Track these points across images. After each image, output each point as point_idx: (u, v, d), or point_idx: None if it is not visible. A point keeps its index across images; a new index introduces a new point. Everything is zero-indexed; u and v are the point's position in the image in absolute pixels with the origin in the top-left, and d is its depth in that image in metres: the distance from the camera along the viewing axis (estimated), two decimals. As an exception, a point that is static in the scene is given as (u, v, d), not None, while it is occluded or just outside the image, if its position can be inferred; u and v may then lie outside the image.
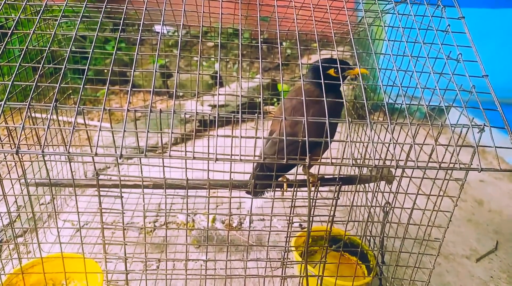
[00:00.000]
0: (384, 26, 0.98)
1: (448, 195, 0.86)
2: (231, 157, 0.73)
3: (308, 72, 1.16)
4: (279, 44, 0.86)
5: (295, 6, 1.01)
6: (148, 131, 0.67)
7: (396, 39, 0.98)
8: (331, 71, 1.11)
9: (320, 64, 1.04)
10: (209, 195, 0.84)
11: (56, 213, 0.85)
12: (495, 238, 1.59)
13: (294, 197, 0.90)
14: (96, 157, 0.87)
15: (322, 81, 0.79)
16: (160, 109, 0.73)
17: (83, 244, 0.88)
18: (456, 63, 0.86)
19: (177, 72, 0.77)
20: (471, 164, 0.78)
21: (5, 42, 0.77)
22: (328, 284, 1.04)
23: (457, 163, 0.74)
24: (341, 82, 1.00)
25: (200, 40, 0.84)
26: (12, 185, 1.06)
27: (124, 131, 0.68)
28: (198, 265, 1.27)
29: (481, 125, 0.77)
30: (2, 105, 0.67)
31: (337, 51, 0.94)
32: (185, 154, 0.74)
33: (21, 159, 0.98)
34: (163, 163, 0.78)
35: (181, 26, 0.86)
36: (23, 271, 1.02)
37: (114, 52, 0.77)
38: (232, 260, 1.05)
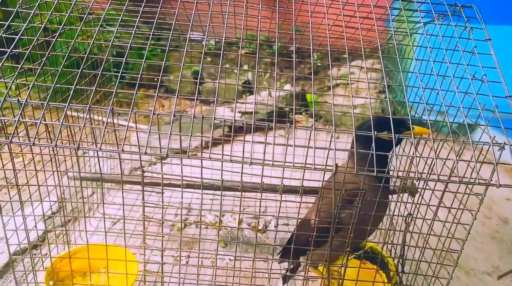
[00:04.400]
0: (413, 45, 1.04)
1: (468, 209, 0.90)
2: (263, 161, 0.79)
3: (354, 140, 0.93)
4: (311, 55, 0.93)
5: (327, 22, 1.08)
6: (191, 135, 0.75)
7: (424, 59, 1.03)
8: (383, 136, 0.90)
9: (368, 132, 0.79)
10: (241, 196, 0.91)
11: (103, 205, 0.94)
12: (518, 256, 1.59)
13: (319, 203, 0.95)
14: (133, 156, 0.96)
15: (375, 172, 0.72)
16: (180, 115, 0.81)
17: (124, 236, 0.97)
18: (480, 83, 0.91)
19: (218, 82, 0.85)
20: (491, 180, 0.81)
21: (50, 46, 0.86)
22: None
23: (477, 179, 0.78)
24: (394, 147, 0.82)
25: (239, 53, 0.92)
26: (61, 178, 1.16)
27: (170, 133, 0.76)
28: (224, 263, 1.34)
29: (502, 144, 0.81)
30: (45, 104, 0.76)
31: (365, 62, 0.99)
32: (222, 157, 0.81)
33: (72, 154, 1.08)
34: (201, 164, 0.85)
35: (223, 37, 0.94)
36: (67, 257, 1.13)
37: (143, 59, 0.85)
38: (257, 258, 1.12)
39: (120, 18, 0.90)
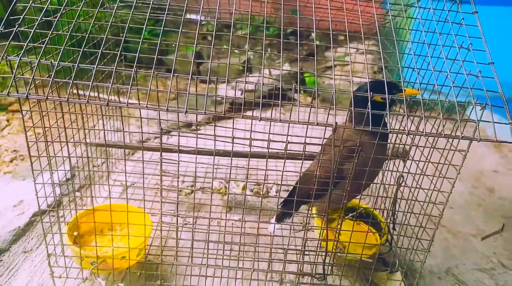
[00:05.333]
0: (407, 17, 1.12)
1: (453, 164, 1.00)
2: (269, 130, 0.88)
3: (351, 104, 1.05)
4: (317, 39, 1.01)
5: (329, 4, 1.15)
6: (205, 111, 0.84)
7: (417, 29, 1.12)
8: (378, 98, 1.02)
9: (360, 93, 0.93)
10: (248, 163, 1.00)
11: (124, 171, 1.02)
12: (501, 221, 1.71)
13: (317, 173, 1.05)
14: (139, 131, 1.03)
15: (370, 128, 0.81)
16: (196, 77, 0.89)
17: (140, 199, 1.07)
18: (467, 51, 1.00)
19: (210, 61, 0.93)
20: (473, 136, 0.91)
21: (53, 26, 0.91)
22: (344, 246, 1.20)
23: (461, 134, 0.88)
24: (387, 109, 0.90)
25: (231, 33, 1.00)
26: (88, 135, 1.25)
27: (187, 110, 0.85)
28: (229, 224, 1.45)
29: (483, 104, 0.90)
30: (50, 81, 0.82)
31: (364, 44, 1.07)
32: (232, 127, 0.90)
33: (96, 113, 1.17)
34: (213, 134, 0.94)
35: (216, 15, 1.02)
36: (85, 215, 1.22)
37: (140, 40, 0.90)
38: (261, 222, 1.21)
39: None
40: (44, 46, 0.85)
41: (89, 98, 0.80)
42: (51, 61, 0.84)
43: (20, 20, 0.89)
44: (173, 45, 0.96)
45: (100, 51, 0.88)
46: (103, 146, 1.45)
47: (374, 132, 0.89)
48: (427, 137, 0.90)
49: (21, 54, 0.83)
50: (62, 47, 0.85)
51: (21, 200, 1.47)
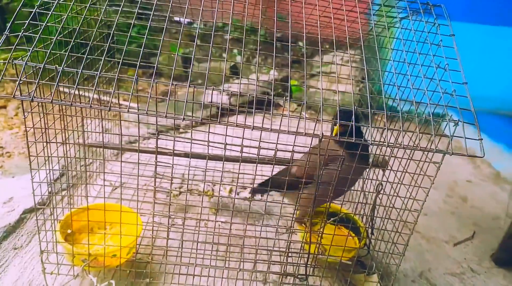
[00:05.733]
0: (390, 37, 1.20)
1: (428, 175, 1.08)
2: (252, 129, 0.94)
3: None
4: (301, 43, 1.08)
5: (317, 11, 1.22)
6: (192, 116, 0.90)
7: (399, 49, 1.20)
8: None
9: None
10: (239, 167, 1.06)
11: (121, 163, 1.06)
12: (473, 229, 1.81)
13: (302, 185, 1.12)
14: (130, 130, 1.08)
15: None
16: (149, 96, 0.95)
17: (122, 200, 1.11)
18: (443, 71, 1.08)
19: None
20: (447, 150, 0.99)
21: (45, 22, 0.94)
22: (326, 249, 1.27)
23: (436, 148, 0.96)
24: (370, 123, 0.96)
25: (212, 33, 1.06)
26: (57, 147, 1.29)
27: (185, 112, 0.90)
28: (217, 225, 1.50)
29: (457, 120, 0.99)
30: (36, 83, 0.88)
31: (350, 53, 1.15)
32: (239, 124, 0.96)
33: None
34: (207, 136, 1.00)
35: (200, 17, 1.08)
36: (77, 213, 1.26)
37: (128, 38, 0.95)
38: (248, 224, 1.27)
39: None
40: (32, 49, 0.89)
41: (91, 102, 0.85)
42: (56, 66, 0.88)
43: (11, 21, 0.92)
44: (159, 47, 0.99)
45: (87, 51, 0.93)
46: (101, 147, 1.49)
47: (350, 147, 1.03)
48: (404, 149, 0.98)
49: (26, 58, 0.87)
50: (85, 55, 0.90)
51: (10, 197, 1.50)
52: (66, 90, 1.03)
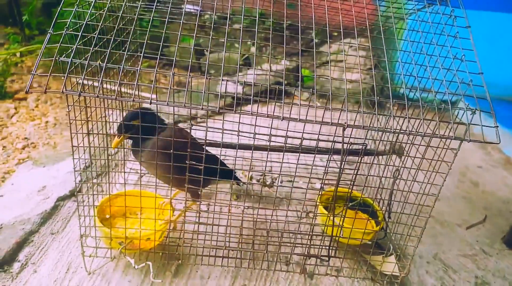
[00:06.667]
0: (407, 30, 1.25)
1: (445, 161, 1.13)
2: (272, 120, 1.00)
3: None
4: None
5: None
6: (206, 105, 0.96)
7: (415, 40, 1.25)
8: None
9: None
10: (268, 154, 1.13)
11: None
12: (484, 213, 1.87)
13: (327, 165, 1.18)
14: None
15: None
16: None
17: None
18: (460, 62, 1.13)
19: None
20: (464, 137, 1.05)
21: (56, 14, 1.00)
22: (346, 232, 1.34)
23: (454, 135, 1.02)
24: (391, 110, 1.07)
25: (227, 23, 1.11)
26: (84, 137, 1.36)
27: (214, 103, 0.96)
28: (239, 211, 1.58)
29: (474, 109, 1.04)
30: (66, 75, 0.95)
31: (358, 42, 1.20)
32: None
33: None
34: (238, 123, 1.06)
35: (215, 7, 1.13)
36: (111, 200, 1.33)
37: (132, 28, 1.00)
38: (266, 208, 1.34)
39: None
40: (76, 46, 0.95)
41: (121, 95, 0.92)
42: (99, 63, 0.95)
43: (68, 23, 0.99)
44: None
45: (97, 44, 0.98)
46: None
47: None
48: (423, 137, 1.04)
49: (72, 55, 0.93)
50: (108, 50, 0.96)
51: (44, 186, 1.58)
52: (85, 82, 1.09)
